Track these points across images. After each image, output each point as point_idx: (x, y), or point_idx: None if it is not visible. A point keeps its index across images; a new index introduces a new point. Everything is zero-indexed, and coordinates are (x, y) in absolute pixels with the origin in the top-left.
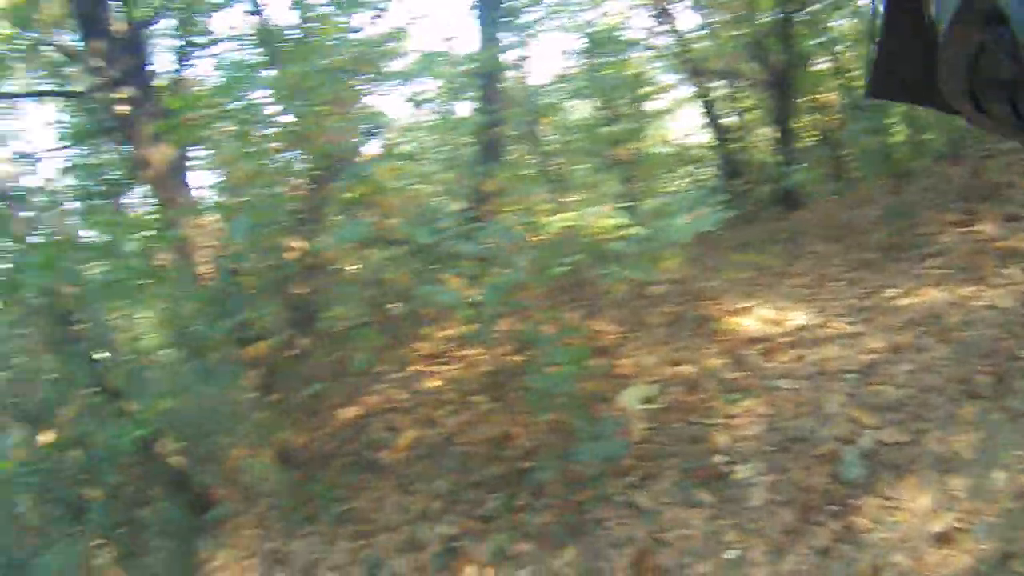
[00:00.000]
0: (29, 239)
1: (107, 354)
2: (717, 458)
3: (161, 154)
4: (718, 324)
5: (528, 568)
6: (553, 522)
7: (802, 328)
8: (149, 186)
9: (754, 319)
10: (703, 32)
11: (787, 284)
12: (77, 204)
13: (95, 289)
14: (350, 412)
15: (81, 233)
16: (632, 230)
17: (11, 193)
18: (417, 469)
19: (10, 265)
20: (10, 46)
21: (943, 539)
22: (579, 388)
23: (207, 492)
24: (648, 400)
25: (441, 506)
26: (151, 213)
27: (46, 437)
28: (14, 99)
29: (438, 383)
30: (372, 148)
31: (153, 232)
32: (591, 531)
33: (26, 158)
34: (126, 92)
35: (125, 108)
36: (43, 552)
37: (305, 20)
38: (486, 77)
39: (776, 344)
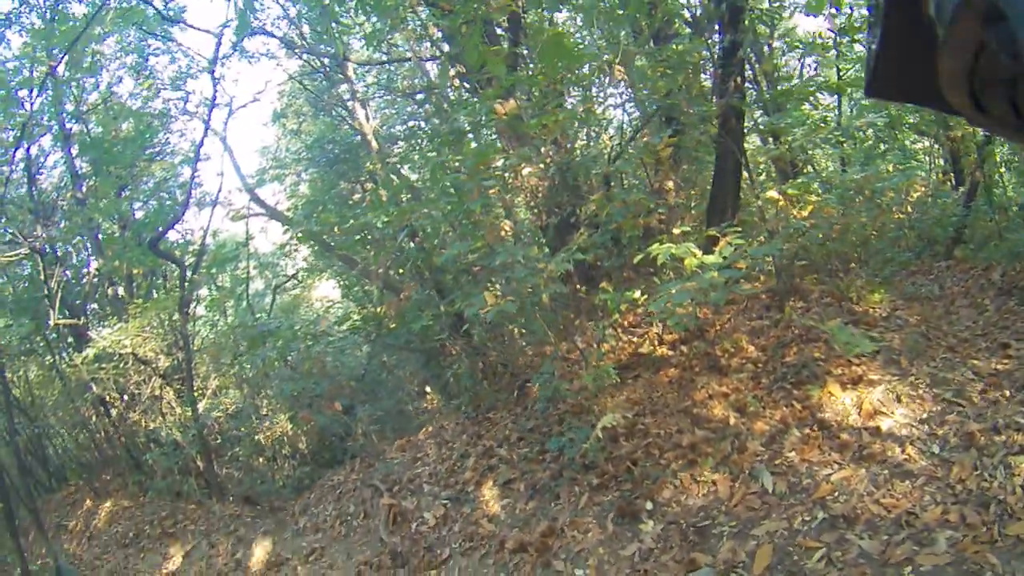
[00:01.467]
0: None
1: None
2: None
3: (508, 106)
4: (817, 387)
5: (508, 501)
6: (541, 478)
7: (876, 434)
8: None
9: (856, 397)
10: None
11: (972, 357)
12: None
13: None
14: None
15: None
16: None
17: None
18: (524, 404)
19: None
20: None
21: None
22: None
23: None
24: (610, 426)
25: (510, 438)
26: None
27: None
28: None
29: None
30: None
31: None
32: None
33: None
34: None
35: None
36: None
37: None
38: None
39: (818, 440)
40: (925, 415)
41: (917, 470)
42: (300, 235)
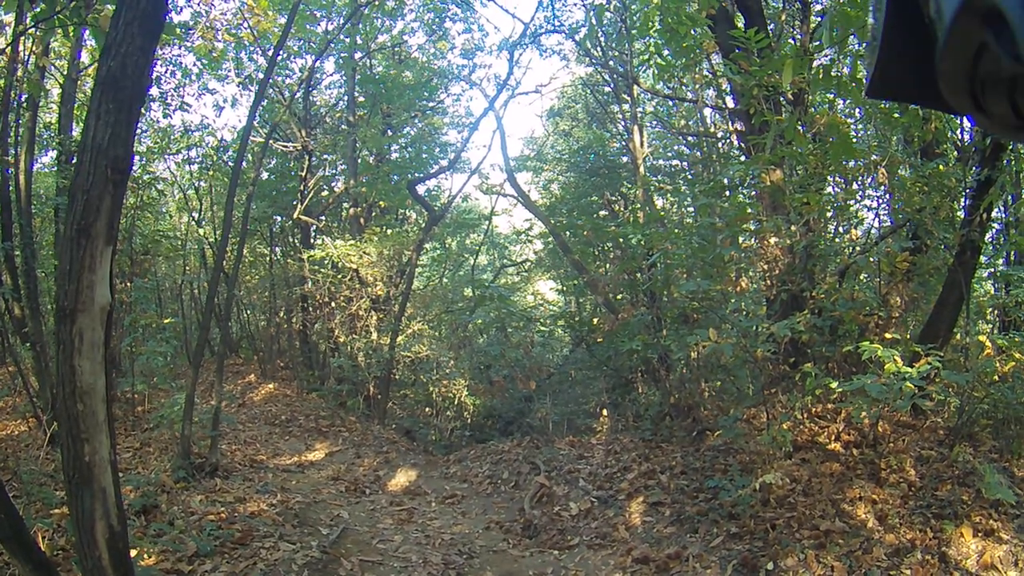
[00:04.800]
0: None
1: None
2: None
3: (774, 175)
4: (953, 525)
5: (650, 519)
6: (688, 511)
7: None
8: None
9: (982, 546)
10: None
11: None
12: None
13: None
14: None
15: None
16: None
17: None
18: (697, 446)
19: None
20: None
21: None
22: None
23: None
24: (770, 484)
25: (674, 469)
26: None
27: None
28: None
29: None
30: None
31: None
32: (686, 524)
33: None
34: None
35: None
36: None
37: None
38: None
39: (934, 568)
40: None
41: None
42: (561, 223)
